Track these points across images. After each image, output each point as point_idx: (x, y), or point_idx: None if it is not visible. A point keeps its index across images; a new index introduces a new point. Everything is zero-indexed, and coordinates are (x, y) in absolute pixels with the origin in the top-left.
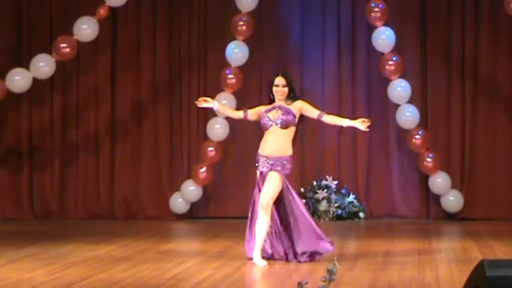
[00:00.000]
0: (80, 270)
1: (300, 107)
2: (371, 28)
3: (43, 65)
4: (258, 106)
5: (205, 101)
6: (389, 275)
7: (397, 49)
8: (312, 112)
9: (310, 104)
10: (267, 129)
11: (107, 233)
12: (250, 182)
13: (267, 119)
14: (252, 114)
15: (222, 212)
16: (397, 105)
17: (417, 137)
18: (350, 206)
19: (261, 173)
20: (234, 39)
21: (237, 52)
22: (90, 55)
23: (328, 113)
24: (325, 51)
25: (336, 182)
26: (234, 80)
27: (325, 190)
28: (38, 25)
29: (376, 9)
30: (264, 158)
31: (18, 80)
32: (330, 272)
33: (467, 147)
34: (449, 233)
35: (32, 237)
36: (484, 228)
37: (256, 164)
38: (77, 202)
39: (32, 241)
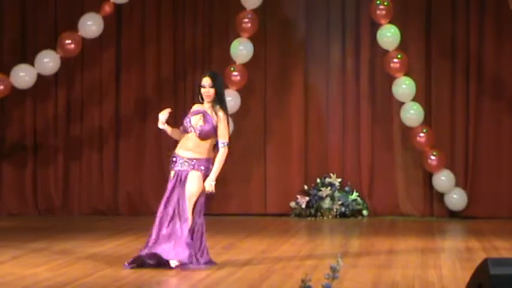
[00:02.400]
0: (84, 267)
1: (217, 119)
2: (376, 25)
3: (48, 61)
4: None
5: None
6: (393, 273)
7: (402, 47)
8: (219, 135)
9: (226, 127)
10: (186, 132)
11: (111, 229)
12: (252, 180)
13: (189, 123)
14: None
15: (224, 209)
16: (402, 103)
17: (421, 134)
18: (353, 203)
19: (179, 172)
20: (238, 36)
21: (241, 49)
22: (95, 51)
23: (223, 148)
24: (329, 48)
25: (339, 180)
26: (238, 77)
27: (329, 188)
28: (42, 21)
29: (381, 7)
30: (184, 158)
31: (23, 76)
32: (333, 270)
33: (471, 146)
34: (452, 231)
35: (35, 233)
36: (488, 226)
37: (172, 165)
38: (80, 198)
39: (35, 237)
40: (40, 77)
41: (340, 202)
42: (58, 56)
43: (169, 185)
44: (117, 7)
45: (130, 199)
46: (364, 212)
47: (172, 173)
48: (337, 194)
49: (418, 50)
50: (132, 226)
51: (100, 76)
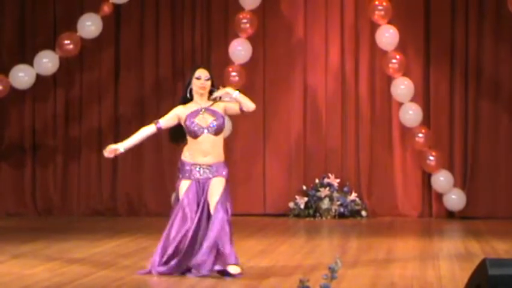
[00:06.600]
0: (82, 267)
1: (224, 106)
2: (374, 26)
3: (47, 61)
4: (171, 110)
5: (112, 151)
6: (391, 274)
7: (401, 47)
8: (234, 107)
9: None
10: (197, 136)
11: (109, 230)
12: (251, 180)
13: (197, 126)
14: (168, 121)
15: None
16: (400, 104)
17: (420, 135)
18: (352, 204)
19: (199, 181)
20: (237, 36)
21: (240, 50)
22: (94, 52)
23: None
24: (328, 49)
25: (338, 180)
26: (237, 78)
27: (328, 188)
28: (41, 21)
29: (379, 8)
30: (202, 166)
31: (22, 76)
32: (332, 270)
33: (470, 146)
34: (451, 231)
35: (34, 233)
36: (486, 226)
37: (186, 174)
38: (79, 198)
39: (34, 237)
40: (39, 77)
41: (338, 203)
42: (57, 56)
43: (190, 196)
44: (116, 7)
45: (129, 199)
46: (363, 213)
47: (185, 182)
48: (335, 194)
49: (416, 51)
50: (130, 227)
51: (99, 76)
